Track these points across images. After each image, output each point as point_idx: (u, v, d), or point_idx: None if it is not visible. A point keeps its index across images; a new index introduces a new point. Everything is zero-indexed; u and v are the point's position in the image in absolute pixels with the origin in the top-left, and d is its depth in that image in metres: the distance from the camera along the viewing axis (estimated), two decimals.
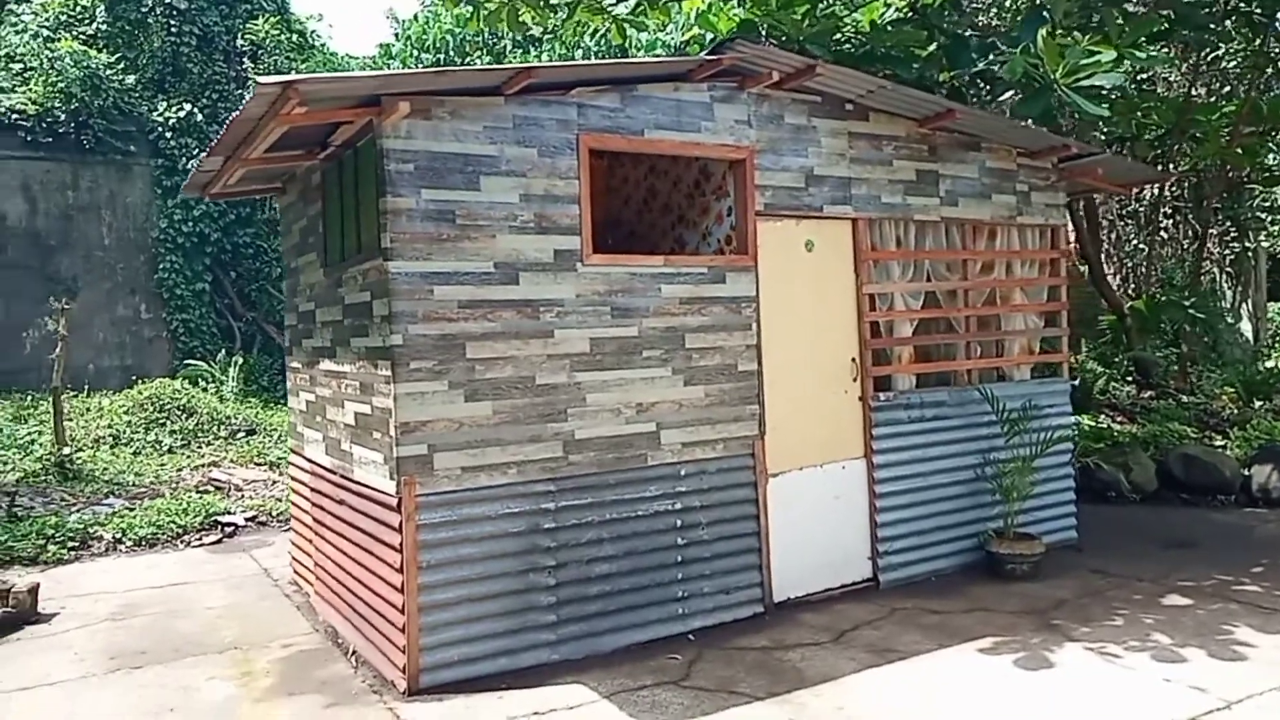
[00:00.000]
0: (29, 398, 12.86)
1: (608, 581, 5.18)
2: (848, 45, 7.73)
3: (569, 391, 5.08)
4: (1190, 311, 10.36)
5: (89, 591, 6.83)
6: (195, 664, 5.23)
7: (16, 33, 19.41)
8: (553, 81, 4.98)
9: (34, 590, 6.31)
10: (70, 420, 11.61)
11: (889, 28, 7.29)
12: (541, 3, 8.00)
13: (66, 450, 10.45)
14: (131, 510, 8.95)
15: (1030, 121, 5.98)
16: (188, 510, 8.84)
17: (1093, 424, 9.41)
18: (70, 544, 8.13)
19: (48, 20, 19.57)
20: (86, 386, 13.56)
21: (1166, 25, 7.95)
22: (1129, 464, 8.84)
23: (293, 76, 4.07)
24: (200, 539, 8.46)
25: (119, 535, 8.36)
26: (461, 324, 4.78)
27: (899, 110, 6.27)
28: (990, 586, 6.17)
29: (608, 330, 5.20)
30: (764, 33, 7.52)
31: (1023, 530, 6.57)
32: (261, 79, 3.97)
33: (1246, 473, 8.66)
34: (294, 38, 19.99)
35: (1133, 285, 12.59)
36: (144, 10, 19.26)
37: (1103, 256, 10.93)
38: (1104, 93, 6.08)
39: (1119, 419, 9.86)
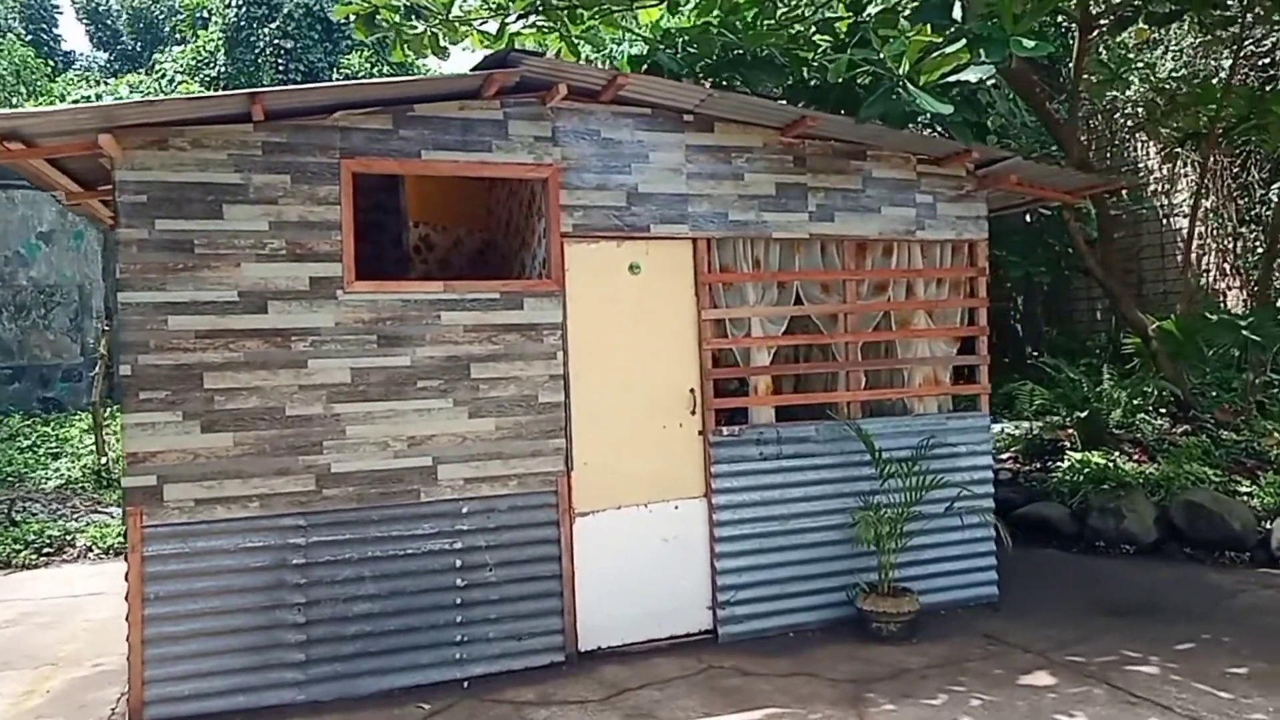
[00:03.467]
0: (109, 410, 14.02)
1: (369, 622, 4.97)
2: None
3: (325, 423, 4.92)
4: (1245, 334, 8.90)
5: (8, 599, 7.29)
6: (3, 678, 5.44)
7: (155, 79, 21.42)
8: (309, 106, 4.87)
9: None
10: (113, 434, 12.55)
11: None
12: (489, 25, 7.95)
13: (104, 460, 11.32)
14: (121, 521, 9.54)
15: (879, 121, 5.27)
16: None
17: (1102, 462, 8.24)
18: (46, 550, 8.76)
19: (181, 66, 21.51)
20: None
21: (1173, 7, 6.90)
22: (1122, 510, 7.68)
23: None
24: None
25: (90, 544, 8.92)
26: (199, 354, 4.73)
27: (752, 119, 5.73)
28: (842, 647, 5.49)
29: (373, 360, 5.01)
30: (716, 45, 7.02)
31: (904, 585, 5.81)
32: None
33: (1268, 526, 7.33)
34: (384, 69, 20.99)
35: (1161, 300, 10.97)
36: (256, 53, 20.81)
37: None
38: (973, 86, 5.32)
39: (1137, 456, 8.60)
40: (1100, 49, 11.79)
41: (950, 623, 5.92)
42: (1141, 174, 12.85)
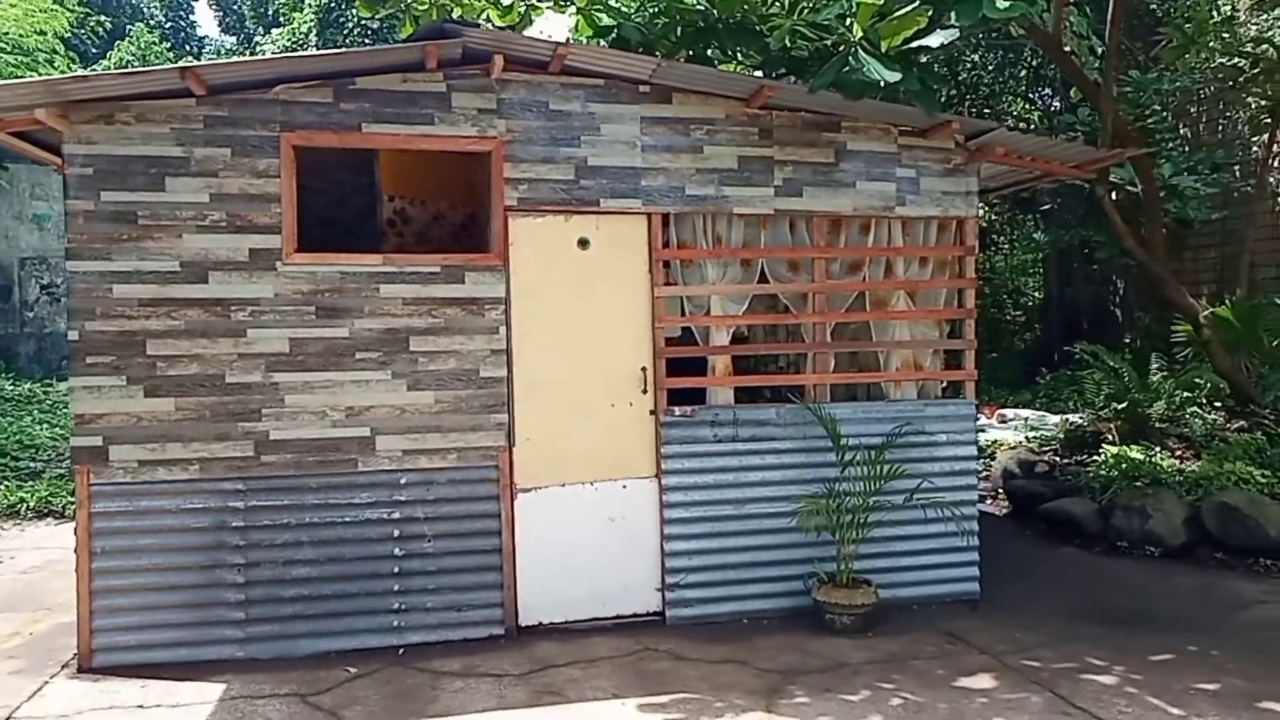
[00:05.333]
0: None
1: (307, 585, 5.10)
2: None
3: (264, 392, 5.06)
4: None
5: (45, 546, 7.84)
6: (2, 619, 5.85)
7: None
8: (250, 79, 4.98)
9: None
10: None
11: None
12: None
13: None
14: None
15: (834, 91, 4.97)
16: None
17: (1138, 457, 7.63)
18: (71, 504, 9.37)
19: (278, 48, 22.48)
20: None
21: None
22: (1147, 509, 7.11)
23: None
24: None
25: None
26: (142, 321, 4.93)
27: (712, 89, 5.53)
28: (790, 638, 5.29)
29: (311, 331, 5.11)
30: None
31: (865, 577, 5.55)
32: None
33: None
34: None
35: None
36: (344, 34, 21.52)
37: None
38: (933, 51, 4.97)
39: (1180, 452, 7.91)
40: (1180, 13, 10.87)
41: (917, 618, 5.63)
42: (1237, 147, 11.79)
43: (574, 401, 5.46)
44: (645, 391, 5.55)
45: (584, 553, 5.47)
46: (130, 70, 5.02)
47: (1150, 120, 10.48)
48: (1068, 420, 9.57)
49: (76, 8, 16.48)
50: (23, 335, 16.37)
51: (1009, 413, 13.44)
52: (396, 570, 5.21)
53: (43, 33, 12.50)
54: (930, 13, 4.85)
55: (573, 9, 6.94)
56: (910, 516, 5.71)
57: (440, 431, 5.26)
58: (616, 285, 5.52)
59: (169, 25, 33.98)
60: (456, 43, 4.96)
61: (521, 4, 7.83)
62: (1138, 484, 7.37)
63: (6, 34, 11.98)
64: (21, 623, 5.78)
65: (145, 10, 33.57)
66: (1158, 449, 7.89)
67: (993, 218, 19.37)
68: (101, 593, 4.89)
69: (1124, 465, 7.57)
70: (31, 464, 10.44)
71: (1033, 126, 17.01)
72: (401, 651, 5.13)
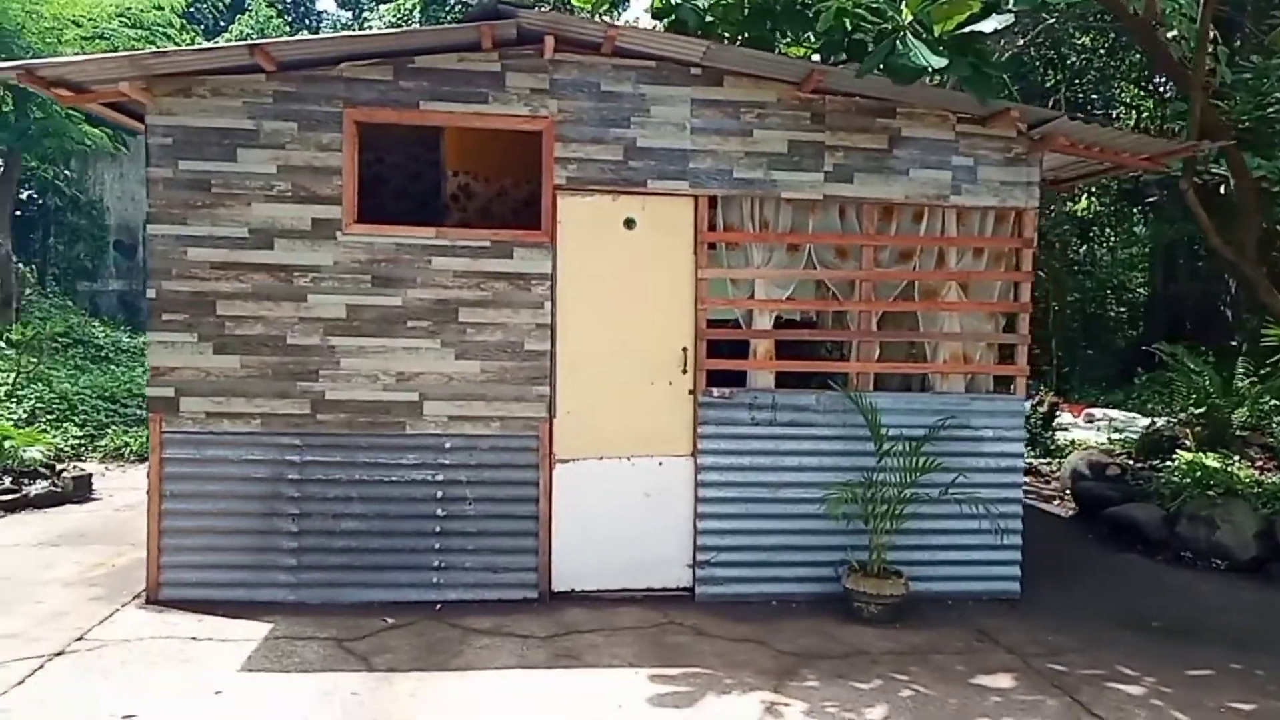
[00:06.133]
0: None
1: (355, 539, 5.41)
2: None
3: (321, 354, 5.36)
4: None
5: (132, 487, 8.45)
6: (88, 550, 6.39)
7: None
8: (317, 57, 5.24)
9: (81, 479, 8.05)
10: None
11: None
12: None
13: None
14: None
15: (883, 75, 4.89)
16: None
17: (1214, 465, 7.30)
18: None
19: (385, 24, 23.13)
20: None
21: None
22: (1215, 519, 6.82)
23: (29, 62, 4.85)
24: None
25: None
26: (213, 283, 5.28)
27: (763, 73, 5.53)
28: (816, 623, 5.33)
29: (367, 298, 5.38)
30: None
31: (897, 568, 5.53)
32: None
33: None
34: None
35: None
36: (446, 9, 22.04)
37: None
38: (985, 38, 4.86)
39: (1261, 463, 7.51)
40: None
41: (950, 613, 5.59)
42: None
43: (614, 378, 5.59)
44: (685, 371, 5.64)
45: (618, 525, 5.61)
46: (205, 46, 5.36)
47: (1271, 110, 9.85)
48: (1153, 423, 9.20)
49: None
50: (145, 291, 17.49)
51: (1097, 412, 12.97)
52: (438, 530, 5.46)
53: (160, 7, 13.26)
54: None
55: None
56: (949, 510, 5.64)
57: (485, 400, 5.48)
58: (660, 266, 5.61)
59: (290, 1, 35.29)
60: (510, 23, 5.11)
61: None
62: (1210, 493, 7.07)
63: (128, 9, 12.77)
64: (108, 555, 6.30)
65: None
66: (1236, 458, 7.54)
67: (1098, 209, 18.56)
68: (169, 532, 5.30)
69: (1197, 473, 7.26)
70: (139, 411, 11.21)
71: (1144, 114, 16.20)
72: (439, 607, 5.39)
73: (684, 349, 5.64)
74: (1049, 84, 15.79)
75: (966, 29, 4.84)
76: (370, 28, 23.23)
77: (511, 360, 5.50)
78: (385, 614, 5.25)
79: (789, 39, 6.13)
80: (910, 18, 4.75)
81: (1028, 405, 11.51)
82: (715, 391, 5.64)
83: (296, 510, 5.38)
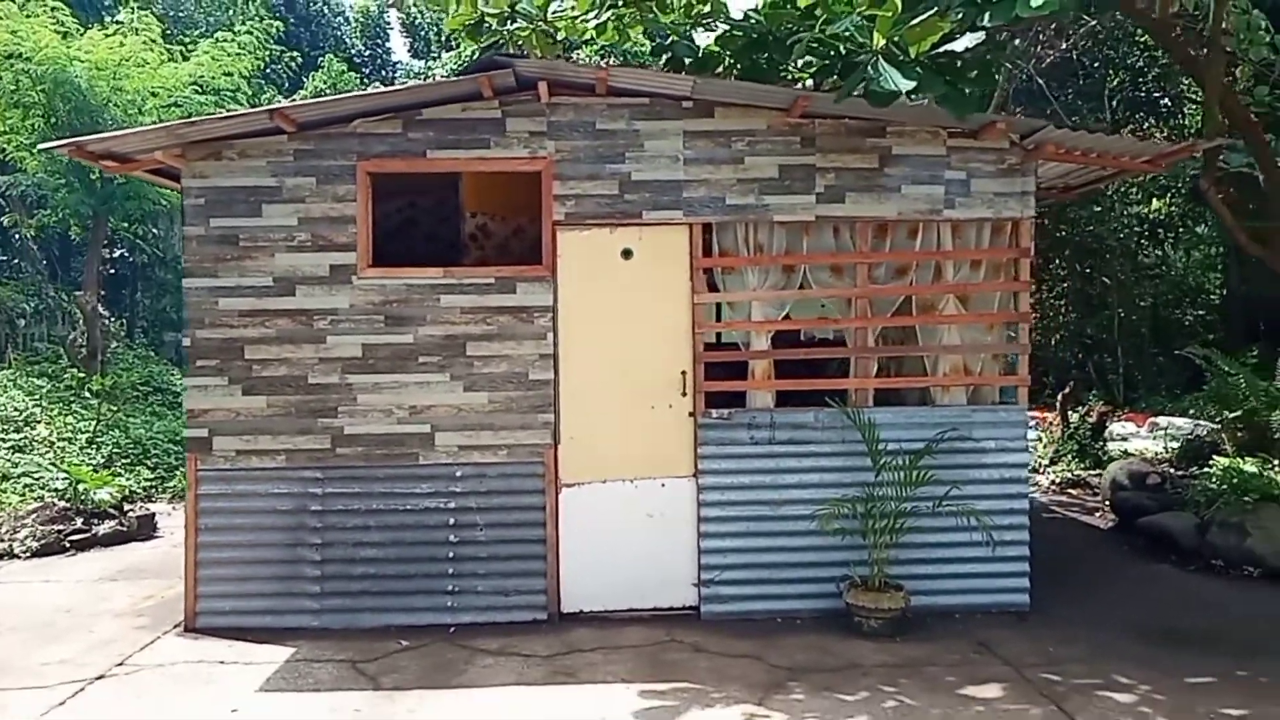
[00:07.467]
0: None
1: (373, 565, 5.72)
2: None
3: (340, 391, 5.73)
4: None
5: None
6: (142, 584, 6.87)
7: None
8: (332, 116, 5.65)
9: (145, 517, 8.61)
10: None
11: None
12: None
13: None
14: None
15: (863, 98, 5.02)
16: None
17: (1251, 470, 7.08)
18: None
19: (445, 73, 24.06)
20: None
21: None
22: (1246, 526, 6.63)
23: (79, 139, 5.39)
24: None
25: None
26: (241, 330, 5.71)
27: (752, 102, 5.73)
28: (816, 638, 5.41)
29: (381, 337, 5.73)
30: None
31: (899, 582, 5.57)
32: (49, 145, 5.34)
33: None
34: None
35: None
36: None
37: None
38: (961, 56, 4.95)
39: None
40: None
41: (953, 626, 5.59)
42: None
43: (616, 403, 5.80)
44: (685, 394, 5.82)
45: (623, 546, 5.80)
46: (230, 114, 5.83)
47: None
48: (1194, 430, 8.96)
49: (272, 46, 18.25)
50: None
51: (1162, 421, 12.57)
52: (451, 555, 5.74)
53: (229, 74, 14.15)
54: (961, 16, 4.83)
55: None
56: (954, 524, 5.66)
57: (492, 429, 5.75)
58: (658, 293, 5.82)
59: (368, 54, 36.87)
60: (506, 72, 5.44)
61: (611, 25, 8.22)
62: (1245, 499, 6.88)
63: (200, 78, 13.68)
64: (158, 588, 6.76)
65: (347, 41, 36.61)
66: (1276, 462, 7.31)
67: (1170, 210, 17.98)
68: (205, 564, 5.70)
69: (1233, 479, 7.07)
70: None
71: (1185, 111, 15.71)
72: (452, 629, 5.65)
73: (683, 372, 5.83)
74: (1112, 84, 15.45)
75: (942, 49, 4.95)
76: (433, 77, 24.14)
77: (517, 390, 5.77)
78: (401, 637, 5.53)
79: (783, 68, 6.29)
80: (882, 42, 4.88)
81: (1075, 416, 11.30)
82: (714, 413, 5.80)
83: (319, 540, 5.72)
